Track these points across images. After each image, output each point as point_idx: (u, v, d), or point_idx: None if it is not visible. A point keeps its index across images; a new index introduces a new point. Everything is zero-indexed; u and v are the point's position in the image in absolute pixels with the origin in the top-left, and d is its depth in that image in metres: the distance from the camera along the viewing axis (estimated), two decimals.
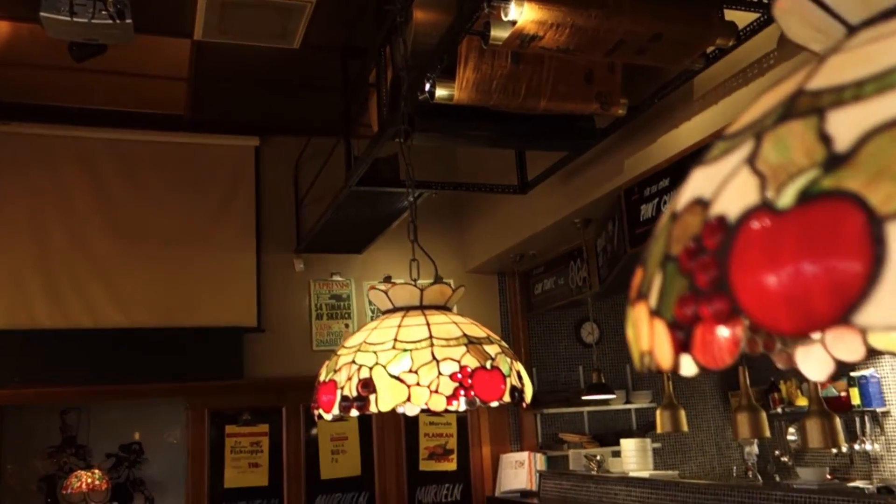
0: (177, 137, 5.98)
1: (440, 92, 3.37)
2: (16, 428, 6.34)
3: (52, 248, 5.59)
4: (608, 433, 6.39)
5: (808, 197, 0.39)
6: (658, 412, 4.96)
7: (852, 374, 5.87)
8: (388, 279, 1.98)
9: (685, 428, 4.89)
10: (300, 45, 4.80)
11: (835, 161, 0.39)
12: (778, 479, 5.96)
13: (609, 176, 4.51)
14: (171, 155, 5.98)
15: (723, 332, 0.46)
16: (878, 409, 5.78)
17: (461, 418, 6.34)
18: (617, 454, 5.75)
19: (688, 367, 0.50)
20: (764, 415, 4.18)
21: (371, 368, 1.55)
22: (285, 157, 6.22)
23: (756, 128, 0.46)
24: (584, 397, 5.93)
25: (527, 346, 6.55)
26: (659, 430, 4.96)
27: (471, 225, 6.55)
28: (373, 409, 1.52)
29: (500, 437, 6.38)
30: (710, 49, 3.26)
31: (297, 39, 4.74)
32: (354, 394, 1.53)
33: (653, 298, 0.50)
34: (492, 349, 1.61)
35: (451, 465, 6.29)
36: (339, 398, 1.56)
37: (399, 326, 1.63)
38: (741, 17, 3.18)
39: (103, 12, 3.75)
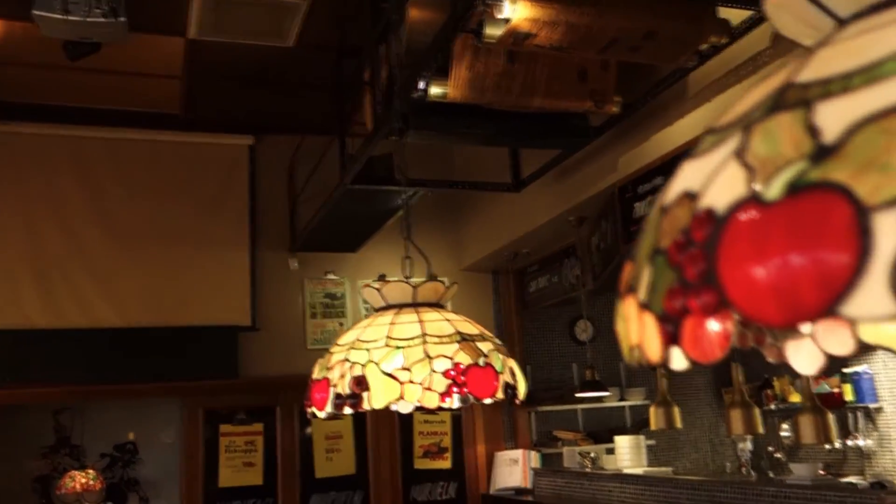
0: (171, 136, 5.96)
1: (434, 90, 3.37)
2: (9, 428, 6.32)
3: (45, 247, 5.57)
4: (602, 430, 6.39)
5: (795, 189, 0.39)
6: (652, 409, 4.96)
7: (845, 370, 5.89)
8: (382, 278, 1.98)
9: (679, 425, 4.89)
10: (295, 43, 4.79)
11: (822, 153, 0.39)
12: (771, 475, 5.97)
13: (603, 174, 4.52)
14: (166, 153, 5.97)
15: (713, 325, 0.46)
16: (871, 406, 5.80)
17: (455, 416, 6.34)
18: (611, 451, 5.76)
19: (678, 361, 0.50)
20: (757, 411, 4.19)
21: (364, 366, 1.55)
22: (280, 156, 6.21)
23: (745, 121, 0.46)
24: (578, 395, 5.93)
25: (521, 344, 6.55)
26: (653, 427, 4.97)
27: (465, 223, 6.55)
28: (366, 406, 1.52)
29: (495, 434, 6.39)
30: (703, 47, 3.27)
31: (291, 38, 4.73)
32: (348, 391, 1.53)
33: (642, 292, 0.50)
34: (485, 346, 1.61)
35: (445, 463, 6.29)
36: (332, 396, 1.56)
37: (392, 324, 1.63)
38: (734, 15, 3.18)
39: (97, 10, 3.74)
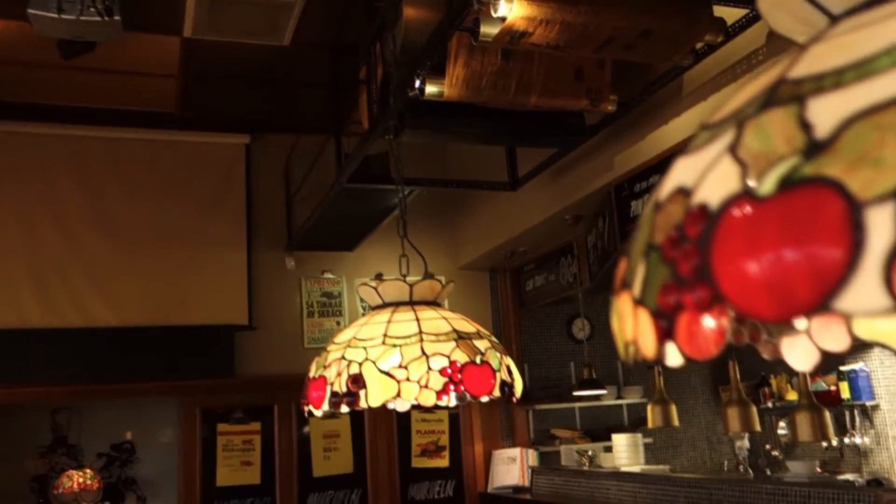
0: (167, 135, 5.95)
1: (430, 89, 3.37)
2: (7, 428, 6.31)
3: (42, 247, 5.56)
4: (600, 428, 6.40)
5: (788, 184, 0.39)
6: (649, 407, 4.98)
7: (842, 368, 5.90)
8: (379, 276, 1.98)
9: (676, 423, 4.91)
10: (290, 42, 4.79)
11: (815, 148, 0.39)
12: (768, 472, 5.99)
13: (599, 172, 4.52)
14: (162, 153, 5.96)
15: (708, 322, 0.46)
16: (868, 403, 5.82)
17: (453, 415, 6.35)
18: (608, 449, 5.77)
19: (673, 357, 0.50)
20: (754, 409, 4.20)
21: (361, 364, 1.55)
22: (276, 155, 6.20)
23: (738, 116, 0.46)
24: (575, 393, 5.94)
25: (518, 343, 6.55)
26: (650, 426, 4.98)
27: (462, 222, 6.55)
28: (363, 404, 1.52)
29: (492, 433, 6.39)
30: (699, 45, 3.27)
31: (287, 37, 4.73)
32: (344, 390, 1.53)
33: (636, 288, 0.50)
34: (481, 344, 1.62)
35: (443, 462, 6.29)
36: (328, 394, 1.56)
37: (389, 322, 1.63)
38: (730, 14, 3.19)
39: (91, 9, 3.73)
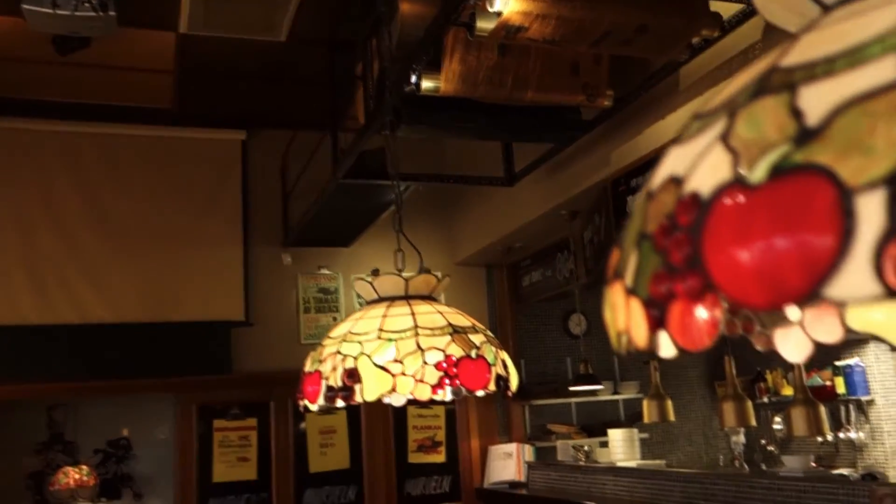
0: (163, 131, 5.94)
1: (426, 84, 3.36)
2: (3, 425, 6.30)
3: (37, 243, 5.55)
4: (596, 424, 6.41)
5: (779, 171, 0.39)
6: (645, 402, 4.99)
7: (837, 363, 5.92)
8: (375, 272, 1.98)
9: (672, 417, 4.92)
10: (286, 38, 4.78)
11: (806, 135, 0.39)
12: (764, 467, 6.00)
13: (596, 168, 4.52)
14: (158, 149, 5.95)
15: (701, 313, 0.46)
16: (863, 398, 5.84)
17: (449, 410, 6.35)
18: (605, 444, 5.78)
19: (665, 347, 0.50)
20: (750, 404, 4.21)
21: (356, 358, 1.55)
22: (272, 151, 6.19)
23: (730, 105, 0.46)
24: (571, 388, 5.95)
25: (515, 338, 6.56)
26: (646, 420, 4.99)
27: (458, 217, 6.55)
28: (358, 399, 1.52)
29: (489, 428, 6.40)
30: (695, 40, 3.27)
31: (283, 32, 4.72)
32: (339, 384, 1.53)
33: (629, 277, 0.50)
34: (477, 338, 1.62)
35: (439, 458, 6.30)
36: (324, 389, 1.56)
37: (384, 316, 1.63)
38: (726, 9, 3.18)
39: (86, 4, 3.72)
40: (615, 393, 6.57)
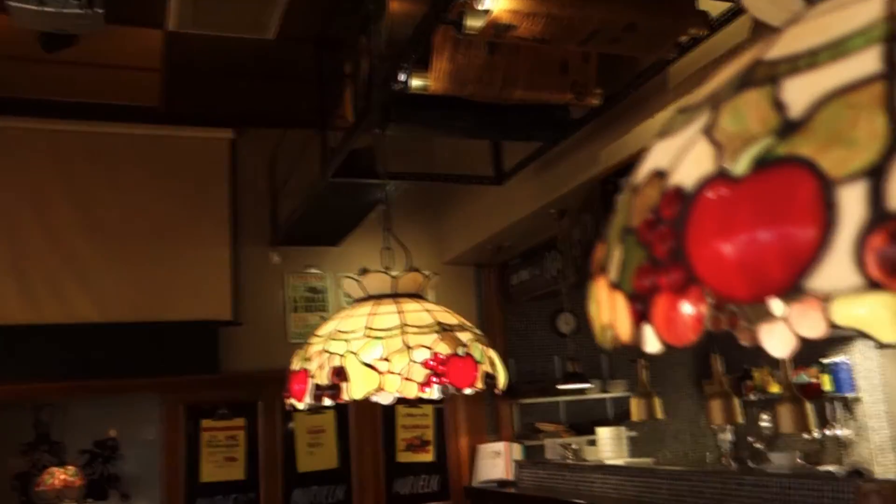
0: (151, 130, 5.90)
1: (415, 82, 3.35)
2: None
3: (24, 242, 5.51)
4: (584, 422, 6.42)
5: (762, 164, 0.39)
6: (633, 400, 5.00)
7: (824, 360, 5.95)
8: (364, 272, 1.97)
9: (659, 415, 4.93)
10: (275, 36, 4.76)
11: (789, 127, 0.39)
12: (751, 464, 6.03)
13: (585, 166, 4.52)
14: (146, 147, 5.91)
15: (686, 308, 0.46)
16: (849, 396, 5.88)
17: (438, 409, 6.35)
18: (593, 443, 5.79)
19: (650, 341, 0.50)
20: (737, 401, 4.23)
21: (343, 356, 1.54)
22: (261, 150, 6.17)
23: (714, 99, 0.46)
24: (560, 387, 5.96)
25: (503, 337, 6.56)
26: (633, 418, 5.00)
27: (447, 216, 6.55)
28: (345, 397, 1.51)
29: (477, 427, 6.40)
30: (683, 39, 3.28)
31: (271, 30, 4.70)
32: (326, 382, 1.53)
33: (613, 272, 0.50)
34: (465, 336, 1.61)
35: (428, 457, 6.29)
36: (311, 387, 1.55)
37: (371, 314, 1.63)
38: (714, 7, 3.19)
39: (73, 1, 3.69)
40: (603, 391, 6.58)
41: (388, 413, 6.14)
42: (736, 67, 0.47)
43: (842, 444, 5.94)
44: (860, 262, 0.35)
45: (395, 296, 1.72)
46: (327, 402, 1.56)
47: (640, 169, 0.51)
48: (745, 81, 0.44)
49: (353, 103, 4.02)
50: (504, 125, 4.04)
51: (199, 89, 5.65)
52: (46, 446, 6.43)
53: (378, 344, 1.54)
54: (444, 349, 1.55)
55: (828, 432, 5.94)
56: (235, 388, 5.88)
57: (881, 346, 5.65)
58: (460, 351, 1.56)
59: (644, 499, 4.49)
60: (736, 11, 3.09)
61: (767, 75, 0.42)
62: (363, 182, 4.68)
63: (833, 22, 0.42)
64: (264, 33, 4.71)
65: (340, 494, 6.01)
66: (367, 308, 1.66)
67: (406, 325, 1.57)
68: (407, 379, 1.50)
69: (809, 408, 3.81)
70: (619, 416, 6.50)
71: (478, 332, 1.71)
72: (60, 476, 5.72)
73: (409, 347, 1.53)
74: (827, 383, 5.90)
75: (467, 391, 1.59)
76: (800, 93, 0.40)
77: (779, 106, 0.40)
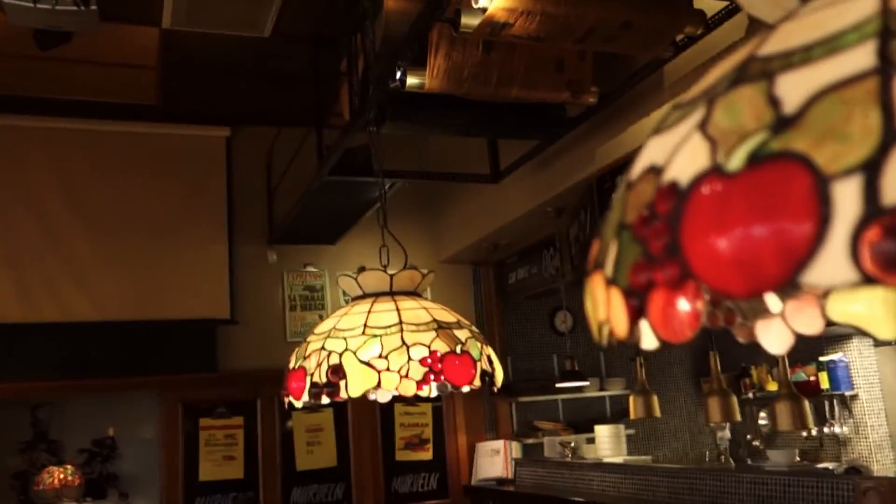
0: (146, 128, 5.90)
1: (411, 80, 3.35)
2: None
3: (20, 241, 5.50)
4: (582, 420, 6.43)
5: (756, 159, 0.39)
6: (631, 398, 5.01)
7: (821, 358, 5.96)
8: (362, 270, 1.97)
9: (658, 413, 4.94)
10: (271, 33, 4.75)
11: (783, 123, 0.39)
12: (749, 462, 6.05)
13: (581, 165, 4.53)
14: (142, 145, 5.90)
15: (683, 305, 0.46)
16: (847, 393, 5.89)
17: (436, 407, 6.35)
18: (591, 441, 5.80)
19: (646, 338, 0.50)
20: (735, 399, 4.23)
21: (341, 354, 1.54)
22: (257, 148, 6.17)
23: (709, 94, 0.46)
24: (558, 385, 5.96)
25: (501, 336, 6.56)
26: (632, 416, 5.01)
27: (444, 215, 6.55)
28: (343, 395, 1.51)
29: (476, 425, 6.40)
30: (679, 37, 3.28)
31: (267, 28, 4.69)
32: (324, 380, 1.53)
33: (608, 268, 0.50)
34: (462, 334, 1.61)
35: (426, 455, 6.30)
36: (308, 385, 1.55)
37: (369, 312, 1.63)
38: (710, 6, 3.20)
39: None
40: (601, 389, 6.59)
41: (386, 411, 6.14)
42: (730, 63, 0.47)
43: (839, 442, 5.96)
44: (855, 256, 0.35)
45: (392, 294, 1.72)
46: (325, 400, 1.56)
47: (635, 165, 0.51)
48: (740, 77, 0.44)
49: (349, 101, 4.01)
50: (500, 123, 4.04)
51: (195, 87, 5.65)
52: (45, 445, 6.42)
53: (376, 342, 1.54)
54: (441, 347, 1.55)
55: (825, 430, 5.96)
56: (234, 387, 5.88)
57: (878, 342, 5.67)
58: (457, 349, 1.56)
59: (642, 497, 4.50)
60: (732, 10, 3.09)
61: (762, 71, 0.42)
62: (359, 180, 4.68)
63: (827, 18, 0.42)
64: (260, 31, 4.70)
65: (339, 493, 6.02)
66: (364, 306, 1.66)
67: (403, 322, 1.57)
68: (405, 377, 1.50)
69: (807, 405, 3.82)
70: (617, 414, 6.51)
71: (475, 329, 1.71)
72: (59, 475, 5.71)
73: (406, 345, 1.53)
74: (825, 381, 5.91)
75: (465, 389, 1.60)
76: (794, 88, 0.40)
77: (773, 101, 0.40)
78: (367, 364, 1.52)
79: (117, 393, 6.05)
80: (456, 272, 6.63)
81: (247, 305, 6.03)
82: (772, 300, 0.61)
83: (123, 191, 5.77)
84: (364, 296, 1.74)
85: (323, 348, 1.58)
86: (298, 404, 1.59)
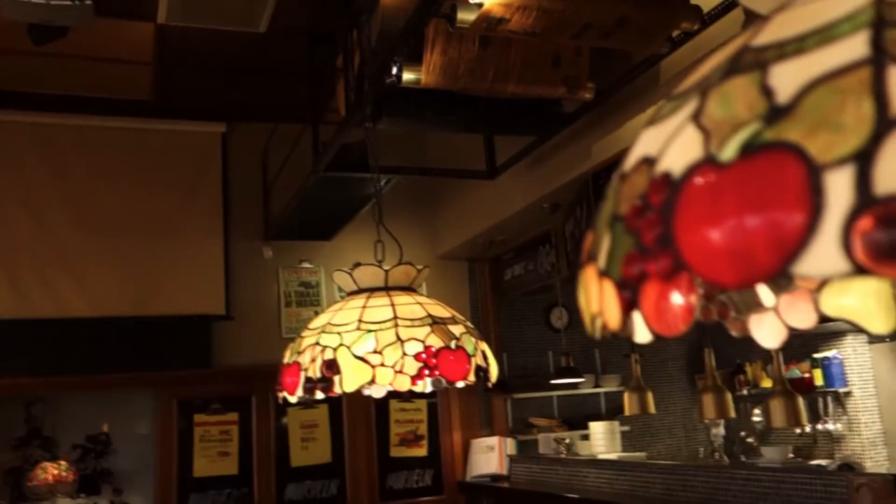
0: (142, 123, 5.88)
1: (407, 76, 3.35)
2: None
3: (14, 237, 5.48)
4: (577, 417, 6.44)
5: (749, 149, 0.39)
6: (625, 395, 5.01)
7: (815, 355, 5.98)
8: (356, 266, 1.97)
9: (652, 410, 4.95)
10: (267, 29, 4.74)
11: (776, 113, 0.39)
12: (743, 458, 6.06)
13: (577, 161, 4.53)
14: (137, 141, 5.89)
15: (676, 298, 0.46)
16: (841, 390, 5.90)
17: (431, 404, 6.35)
18: (586, 437, 5.80)
19: (639, 329, 0.50)
20: (729, 395, 4.24)
21: (335, 349, 1.54)
22: (252, 144, 6.15)
23: (702, 85, 0.46)
24: (553, 382, 5.97)
25: (497, 332, 6.57)
26: (626, 413, 5.02)
27: (440, 210, 6.54)
28: (337, 390, 1.51)
29: (471, 422, 6.40)
30: (675, 33, 3.28)
31: (263, 23, 4.68)
32: (318, 375, 1.52)
33: (601, 259, 0.50)
34: (456, 329, 1.61)
35: (421, 451, 6.30)
36: (303, 380, 1.55)
37: (363, 307, 1.62)
38: (706, 2, 3.20)
39: None
40: (596, 386, 6.59)
41: (381, 408, 6.14)
42: (724, 54, 0.47)
43: (833, 439, 5.97)
44: (847, 246, 0.35)
45: (387, 289, 1.72)
46: (319, 395, 1.55)
47: (628, 156, 0.50)
48: (733, 68, 0.44)
49: (345, 97, 4.00)
50: (496, 119, 4.04)
51: (191, 83, 5.63)
52: (38, 441, 6.40)
53: (370, 337, 1.54)
54: (436, 342, 1.55)
55: (819, 427, 5.97)
56: (228, 383, 5.87)
57: (872, 339, 5.68)
58: (452, 344, 1.56)
59: (637, 493, 4.50)
60: (728, 5, 3.09)
61: (755, 61, 0.42)
62: (355, 176, 4.68)
63: (821, 8, 0.42)
64: (255, 26, 4.69)
65: (334, 489, 6.02)
66: (359, 301, 1.66)
67: (398, 317, 1.57)
68: (399, 372, 1.50)
69: (801, 402, 3.82)
70: (612, 411, 6.52)
71: (470, 325, 1.71)
72: (53, 471, 5.70)
73: (401, 340, 1.53)
74: (819, 378, 5.93)
75: (460, 384, 1.59)
76: (787, 78, 0.40)
77: (766, 92, 0.40)
78: (362, 359, 1.52)
79: (112, 389, 6.03)
80: (452, 268, 6.63)
81: (242, 301, 6.02)
82: (765, 294, 0.61)
83: (118, 187, 5.75)
84: (359, 291, 1.74)
85: (317, 343, 1.57)
86: (293, 399, 1.59)
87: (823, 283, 0.55)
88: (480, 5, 2.79)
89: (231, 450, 5.85)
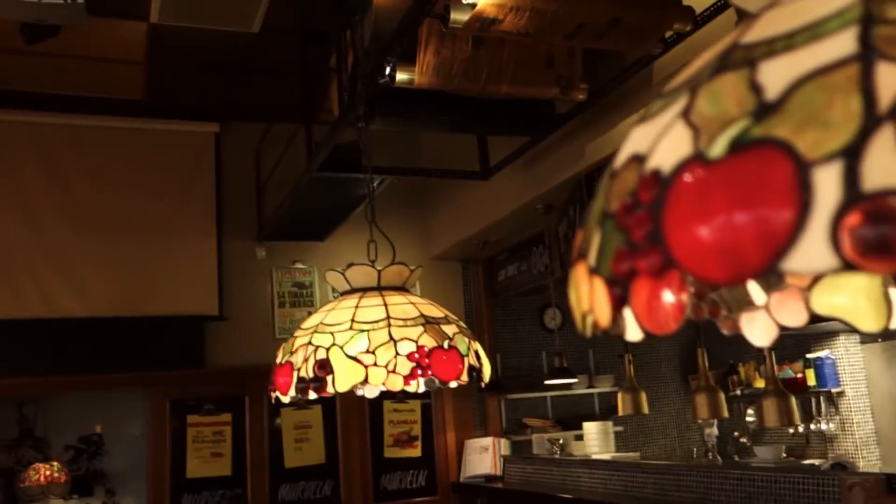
0: (134, 123, 5.86)
1: (400, 76, 3.35)
2: None
3: (6, 236, 5.46)
4: (571, 417, 6.44)
5: (738, 146, 0.39)
6: (619, 395, 5.02)
7: (808, 355, 6.00)
8: (349, 266, 1.96)
9: (646, 410, 4.96)
10: (260, 29, 4.73)
11: (765, 110, 0.39)
12: (737, 458, 6.07)
13: (570, 161, 4.53)
14: (130, 141, 5.87)
15: (667, 296, 0.46)
16: (833, 390, 5.92)
17: (425, 405, 6.35)
18: (580, 438, 5.81)
19: (630, 327, 0.50)
20: (722, 395, 4.25)
21: (328, 349, 1.53)
22: (246, 144, 6.14)
23: (692, 83, 0.46)
24: (547, 382, 5.97)
25: (490, 333, 6.57)
26: (620, 413, 5.03)
27: (433, 211, 6.54)
28: (330, 390, 1.51)
29: (465, 423, 6.40)
30: (668, 34, 3.29)
31: (256, 23, 4.67)
32: (311, 375, 1.52)
33: (592, 257, 0.50)
34: (449, 329, 1.61)
35: (415, 452, 6.30)
36: (295, 380, 1.55)
37: (356, 307, 1.62)
38: (698, 2, 3.21)
39: None
40: (590, 386, 6.60)
41: (375, 408, 6.13)
42: (714, 52, 0.47)
43: (826, 439, 5.99)
44: (835, 242, 0.35)
45: (380, 289, 1.72)
46: (312, 395, 1.55)
47: (618, 154, 0.50)
48: (723, 65, 0.44)
49: (338, 97, 4.00)
50: (490, 120, 4.04)
51: (183, 82, 5.62)
52: (30, 442, 6.37)
53: (363, 337, 1.54)
54: (428, 342, 1.55)
55: (812, 426, 5.99)
56: (222, 384, 5.86)
57: (865, 339, 5.70)
58: (445, 344, 1.56)
59: (630, 493, 4.51)
60: (721, 6, 3.10)
61: (744, 58, 0.42)
62: (349, 176, 4.67)
63: (809, 5, 0.42)
64: (249, 26, 4.68)
65: (328, 490, 6.01)
66: (352, 301, 1.66)
67: (391, 317, 1.57)
68: (392, 372, 1.50)
69: (794, 402, 3.84)
70: (605, 411, 6.53)
71: (462, 324, 1.70)
72: (45, 472, 5.68)
73: (394, 340, 1.52)
74: (811, 378, 5.95)
75: (452, 384, 1.59)
76: (776, 75, 0.40)
77: (755, 88, 0.40)
78: (355, 359, 1.52)
79: (104, 389, 6.02)
80: (445, 269, 6.63)
81: (235, 302, 6.01)
82: (756, 292, 0.61)
83: (111, 186, 5.73)
84: (352, 291, 1.74)
85: (310, 343, 1.57)
86: (285, 399, 1.59)
87: (814, 282, 0.55)
88: (473, 6, 2.79)
89: (224, 450, 5.83)
